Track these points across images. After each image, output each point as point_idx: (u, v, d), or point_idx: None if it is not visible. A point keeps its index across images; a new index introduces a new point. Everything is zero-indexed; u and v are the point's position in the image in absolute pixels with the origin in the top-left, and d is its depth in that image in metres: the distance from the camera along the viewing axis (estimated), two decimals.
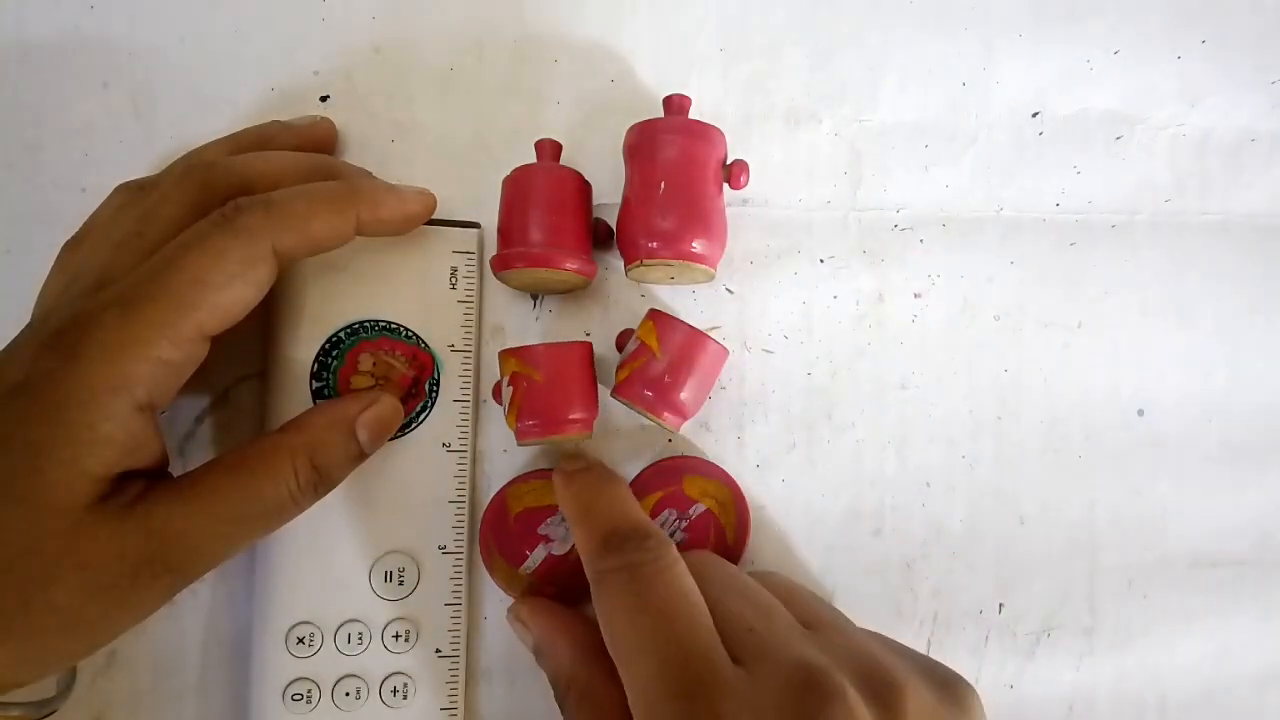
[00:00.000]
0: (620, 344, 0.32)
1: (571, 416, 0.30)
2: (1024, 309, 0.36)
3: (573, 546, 0.32)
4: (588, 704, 0.27)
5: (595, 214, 0.33)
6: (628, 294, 0.35)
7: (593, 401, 0.31)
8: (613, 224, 0.33)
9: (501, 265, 0.31)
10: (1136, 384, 0.36)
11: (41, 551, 0.23)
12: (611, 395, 0.31)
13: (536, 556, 0.32)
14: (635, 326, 0.31)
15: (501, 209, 0.32)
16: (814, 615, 0.27)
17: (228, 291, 0.25)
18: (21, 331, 0.25)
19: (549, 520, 0.32)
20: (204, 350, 0.26)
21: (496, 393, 0.32)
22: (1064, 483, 0.36)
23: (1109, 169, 0.37)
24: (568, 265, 0.30)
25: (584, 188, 0.32)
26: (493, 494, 0.32)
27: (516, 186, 0.31)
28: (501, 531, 0.32)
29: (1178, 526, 0.36)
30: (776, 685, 0.22)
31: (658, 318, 0.30)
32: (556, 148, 0.32)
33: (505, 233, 0.31)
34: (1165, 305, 0.37)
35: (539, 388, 0.30)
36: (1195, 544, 0.36)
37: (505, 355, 0.30)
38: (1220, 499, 0.36)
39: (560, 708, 0.28)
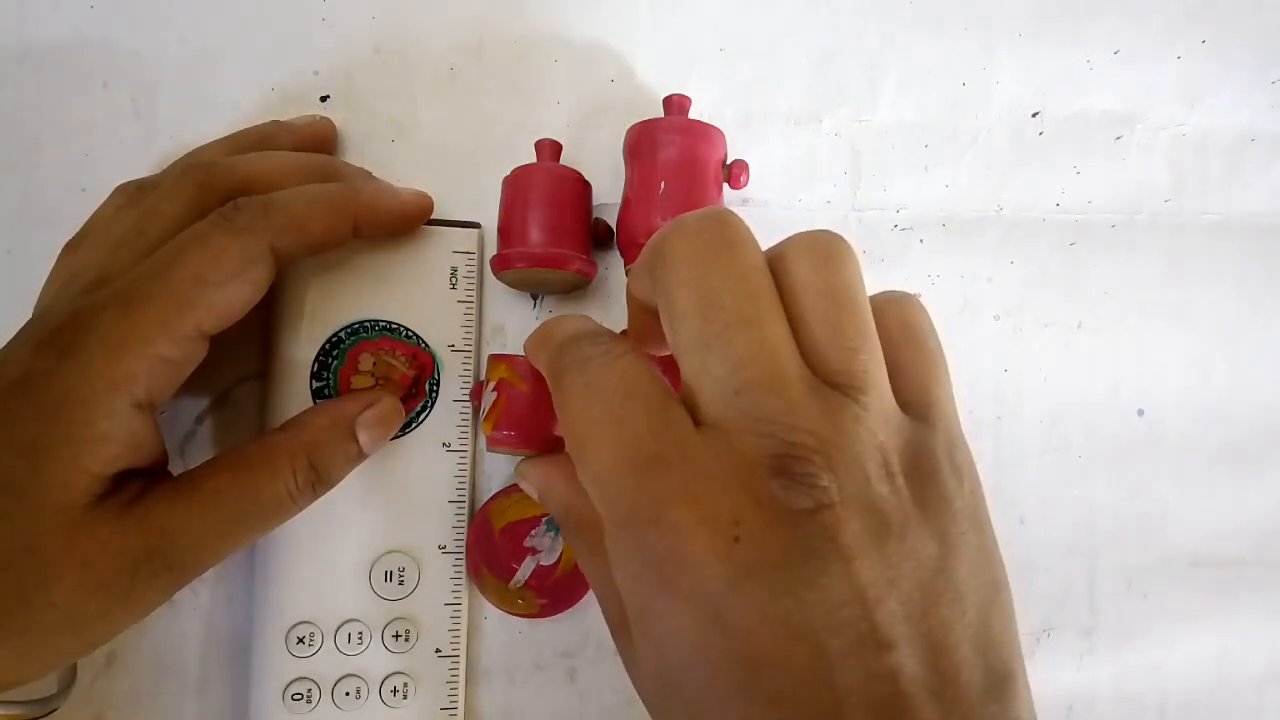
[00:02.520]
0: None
1: (549, 433, 0.30)
2: (1024, 309, 0.36)
3: (561, 554, 0.32)
4: (584, 528, 0.25)
5: (595, 214, 0.33)
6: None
7: None
8: (613, 224, 0.33)
9: (501, 265, 0.31)
10: (1136, 384, 0.36)
11: (40, 549, 0.23)
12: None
13: (526, 569, 0.32)
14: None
15: (501, 209, 0.32)
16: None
17: (227, 290, 0.25)
18: (21, 329, 0.25)
19: (534, 532, 0.32)
20: (203, 349, 0.26)
21: (476, 393, 0.32)
22: (1064, 483, 0.36)
23: (1109, 169, 0.37)
24: (568, 265, 0.30)
25: (584, 188, 0.32)
26: (480, 509, 0.32)
27: (516, 186, 0.32)
28: (488, 549, 0.32)
29: (1178, 526, 0.36)
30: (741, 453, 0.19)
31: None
32: (556, 148, 0.32)
33: (505, 232, 0.31)
34: (1165, 305, 0.37)
35: (523, 399, 0.30)
36: (1195, 543, 0.36)
37: (496, 360, 0.31)
38: (1221, 498, 0.36)
39: (569, 542, 0.26)
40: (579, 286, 0.33)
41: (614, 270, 0.34)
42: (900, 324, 0.23)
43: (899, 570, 0.19)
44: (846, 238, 0.22)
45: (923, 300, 0.23)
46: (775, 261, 0.22)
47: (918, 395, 0.22)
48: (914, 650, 0.18)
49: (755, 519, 0.18)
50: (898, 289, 0.24)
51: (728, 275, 0.21)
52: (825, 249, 0.22)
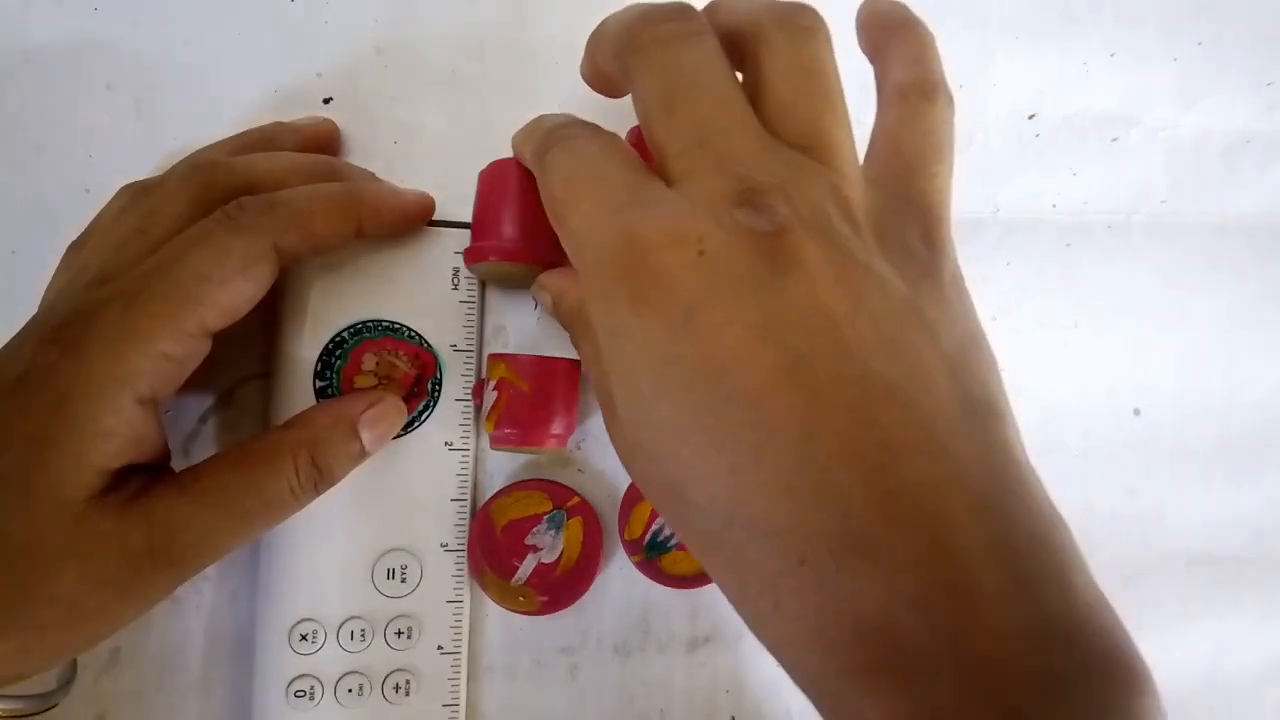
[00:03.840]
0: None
1: (550, 431, 0.31)
2: (1021, 309, 0.36)
3: (562, 552, 0.32)
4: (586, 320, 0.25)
5: None
6: None
7: (573, 419, 0.32)
8: None
9: (474, 258, 0.31)
10: (1133, 383, 0.37)
11: (42, 544, 0.23)
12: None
13: (527, 567, 0.32)
14: None
15: (476, 202, 0.32)
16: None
17: (230, 288, 0.25)
18: (24, 326, 0.25)
19: (535, 530, 0.32)
20: (206, 346, 0.26)
21: (477, 392, 0.32)
22: (1060, 482, 0.35)
23: (1105, 170, 0.38)
24: (541, 260, 0.30)
25: None
26: (482, 507, 0.32)
27: (492, 180, 0.31)
28: (489, 546, 0.32)
29: (1174, 525, 0.36)
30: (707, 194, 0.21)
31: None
32: None
33: (479, 225, 0.31)
34: (1161, 305, 0.37)
35: (523, 398, 0.30)
36: (1192, 542, 0.36)
37: (495, 360, 0.31)
38: (1217, 497, 0.36)
39: (575, 343, 0.27)
40: None
41: None
42: (906, 117, 0.25)
43: (863, 294, 0.20)
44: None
45: None
46: (746, 32, 0.23)
47: (903, 177, 0.24)
48: (884, 361, 0.19)
49: (718, 237, 0.20)
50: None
51: (690, 53, 0.23)
52: (795, 23, 0.23)
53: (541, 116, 0.28)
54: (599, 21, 0.26)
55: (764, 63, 0.23)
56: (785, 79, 0.23)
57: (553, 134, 0.25)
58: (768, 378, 0.19)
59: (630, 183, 0.22)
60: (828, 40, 0.24)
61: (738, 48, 0.24)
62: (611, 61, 0.25)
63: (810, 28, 0.23)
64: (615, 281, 0.21)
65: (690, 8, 0.24)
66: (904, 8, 0.26)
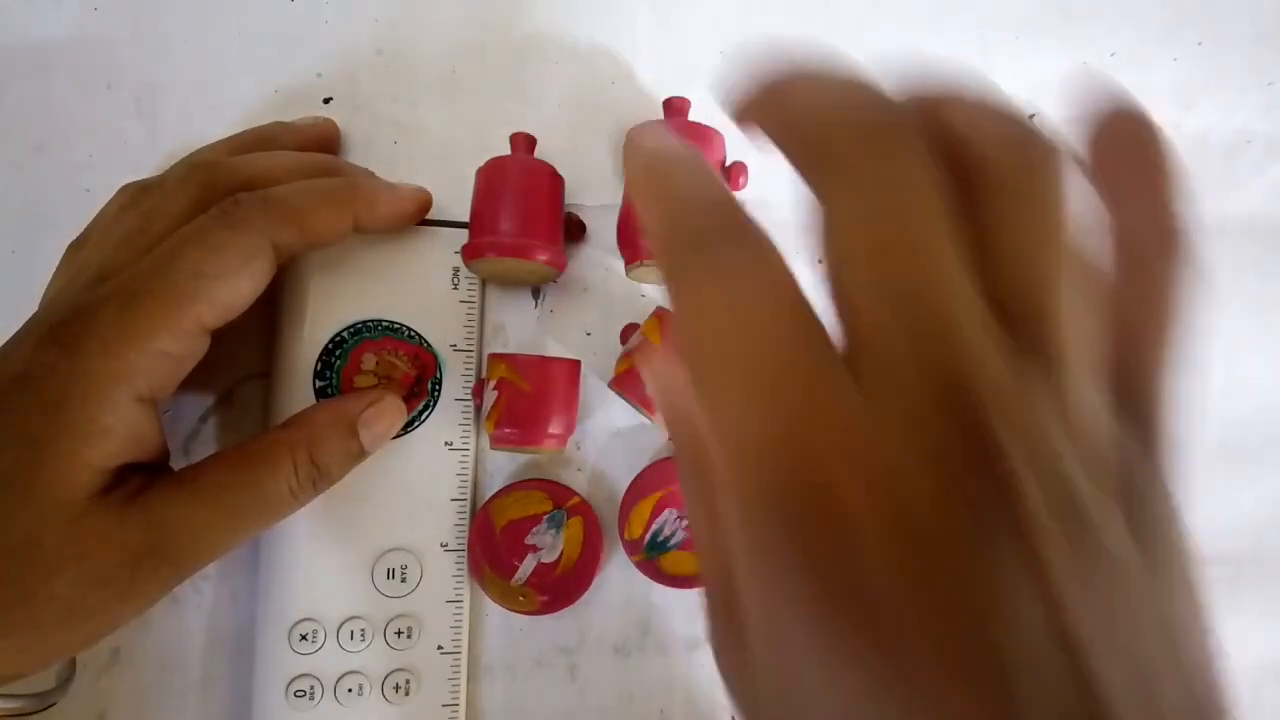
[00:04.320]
0: (625, 336, 0.32)
1: (549, 431, 0.31)
2: None
3: (562, 552, 0.32)
4: (704, 462, 0.21)
5: (588, 214, 0.34)
6: (628, 293, 0.35)
7: (572, 419, 0.32)
8: (589, 221, 0.34)
9: (472, 254, 0.31)
10: None
11: (42, 542, 0.23)
12: (609, 385, 0.32)
13: (527, 567, 0.32)
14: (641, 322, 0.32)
15: (474, 199, 0.32)
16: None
17: (227, 284, 0.25)
18: (24, 325, 0.25)
19: (535, 529, 0.32)
20: (204, 344, 0.26)
21: (477, 392, 0.32)
22: None
23: None
24: (538, 256, 0.30)
25: (555, 180, 0.32)
26: (482, 507, 0.32)
27: (489, 178, 0.32)
28: (489, 546, 0.32)
29: None
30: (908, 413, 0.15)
31: (666, 315, 0.31)
32: (530, 141, 0.33)
33: (477, 222, 0.31)
34: None
35: (524, 398, 0.30)
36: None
37: (496, 359, 0.31)
38: (1216, 498, 0.36)
39: (681, 474, 0.22)
40: (549, 278, 0.34)
41: (614, 271, 0.35)
42: (1146, 281, 0.18)
43: (1098, 589, 0.15)
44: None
45: None
46: (973, 154, 0.18)
47: (1135, 371, 0.18)
48: (1116, 685, 0.14)
49: (918, 478, 0.15)
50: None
51: (896, 176, 0.17)
52: (1036, 160, 0.18)
53: (672, 179, 0.19)
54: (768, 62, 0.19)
55: (990, 207, 0.17)
56: (1016, 235, 0.17)
57: (703, 238, 0.18)
58: (975, 694, 0.14)
59: (802, 364, 0.16)
60: (1070, 185, 0.18)
61: (954, 162, 0.17)
62: (786, 141, 0.18)
63: (1054, 169, 0.18)
64: (769, 503, 0.16)
65: (900, 106, 0.18)
66: (1154, 124, 0.19)
